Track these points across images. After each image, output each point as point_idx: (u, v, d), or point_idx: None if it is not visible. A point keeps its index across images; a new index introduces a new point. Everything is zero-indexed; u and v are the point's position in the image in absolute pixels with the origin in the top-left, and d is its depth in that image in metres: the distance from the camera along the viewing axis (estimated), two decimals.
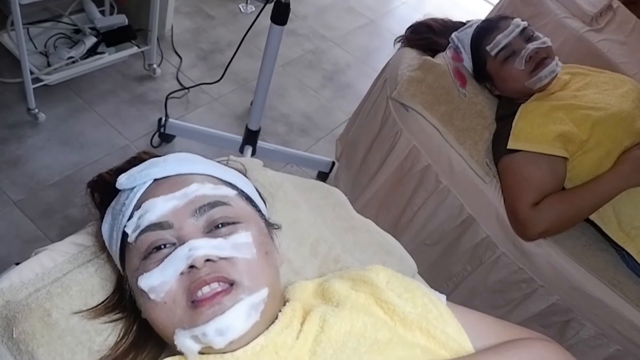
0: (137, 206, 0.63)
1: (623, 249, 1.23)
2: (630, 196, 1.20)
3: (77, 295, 0.70)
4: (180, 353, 0.60)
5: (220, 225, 0.61)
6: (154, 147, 1.91)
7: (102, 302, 0.70)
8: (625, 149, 1.22)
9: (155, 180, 0.65)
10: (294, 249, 0.83)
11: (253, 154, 1.85)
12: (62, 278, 0.71)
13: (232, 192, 0.66)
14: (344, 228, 0.93)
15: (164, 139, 1.93)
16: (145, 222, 0.60)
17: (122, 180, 0.66)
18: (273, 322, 0.61)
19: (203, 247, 0.57)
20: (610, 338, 1.25)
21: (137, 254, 0.61)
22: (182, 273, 0.57)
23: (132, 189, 0.65)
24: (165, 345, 0.68)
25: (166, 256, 0.58)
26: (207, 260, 0.57)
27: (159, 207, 0.61)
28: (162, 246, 0.60)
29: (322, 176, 2.01)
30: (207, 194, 0.63)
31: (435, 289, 0.73)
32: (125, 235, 0.63)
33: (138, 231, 0.61)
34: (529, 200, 1.21)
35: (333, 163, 1.97)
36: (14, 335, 0.66)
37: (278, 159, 1.96)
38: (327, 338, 0.59)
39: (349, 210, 0.97)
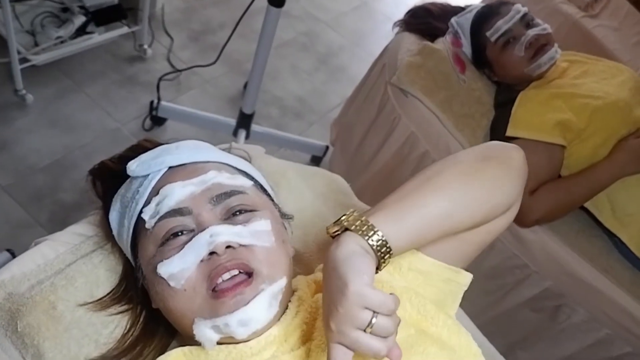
0: (154, 192, 0.62)
1: (616, 236, 1.25)
2: (625, 184, 1.22)
3: (82, 287, 0.68)
4: (191, 344, 0.60)
5: (237, 213, 0.61)
6: (146, 130, 1.87)
7: (108, 293, 0.69)
8: (621, 138, 1.23)
9: (170, 168, 0.64)
10: (298, 237, 0.82)
11: (247, 137, 1.83)
12: (66, 269, 0.70)
13: (248, 182, 0.65)
14: None
15: (155, 122, 1.90)
16: (164, 208, 0.60)
17: (134, 167, 0.64)
18: (284, 313, 0.61)
19: (224, 233, 0.57)
20: (601, 322, 1.27)
21: (154, 241, 0.60)
22: (202, 260, 0.57)
23: (146, 176, 0.64)
24: (173, 336, 0.68)
25: (185, 243, 0.58)
26: (228, 247, 0.57)
27: (177, 193, 0.60)
28: (180, 232, 0.59)
29: (316, 160, 2.00)
30: (224, 182, 0.62)
31: None
32: (138, 222, 0.62)
33: (157, 217, 0.60)
34: (526, 187, 1.21)
35: (327, 147, 1.96)
36: (19, 329, 0.65)
37: (272, 143, 1.94)
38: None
39: (352, 198, 0.96)
